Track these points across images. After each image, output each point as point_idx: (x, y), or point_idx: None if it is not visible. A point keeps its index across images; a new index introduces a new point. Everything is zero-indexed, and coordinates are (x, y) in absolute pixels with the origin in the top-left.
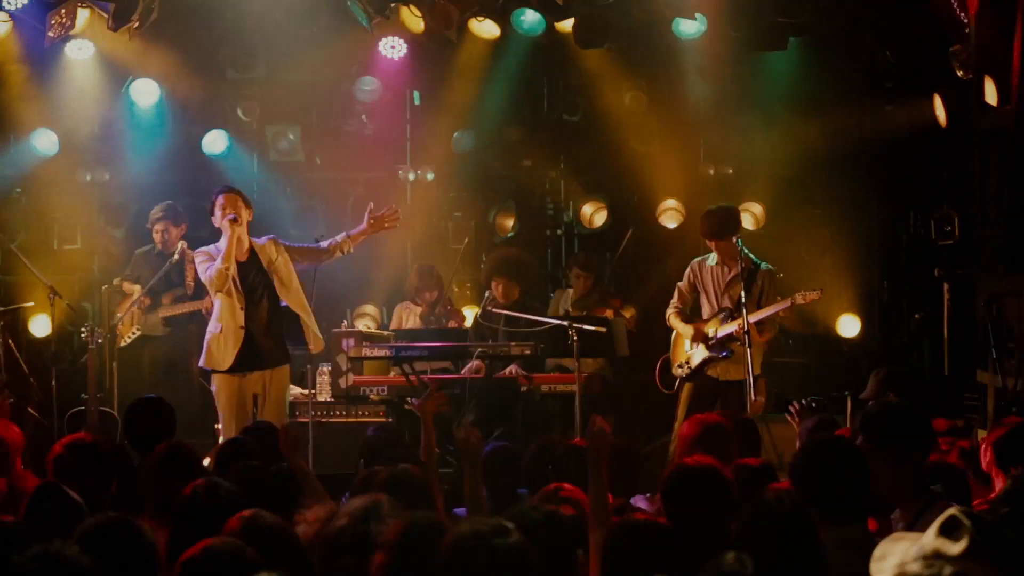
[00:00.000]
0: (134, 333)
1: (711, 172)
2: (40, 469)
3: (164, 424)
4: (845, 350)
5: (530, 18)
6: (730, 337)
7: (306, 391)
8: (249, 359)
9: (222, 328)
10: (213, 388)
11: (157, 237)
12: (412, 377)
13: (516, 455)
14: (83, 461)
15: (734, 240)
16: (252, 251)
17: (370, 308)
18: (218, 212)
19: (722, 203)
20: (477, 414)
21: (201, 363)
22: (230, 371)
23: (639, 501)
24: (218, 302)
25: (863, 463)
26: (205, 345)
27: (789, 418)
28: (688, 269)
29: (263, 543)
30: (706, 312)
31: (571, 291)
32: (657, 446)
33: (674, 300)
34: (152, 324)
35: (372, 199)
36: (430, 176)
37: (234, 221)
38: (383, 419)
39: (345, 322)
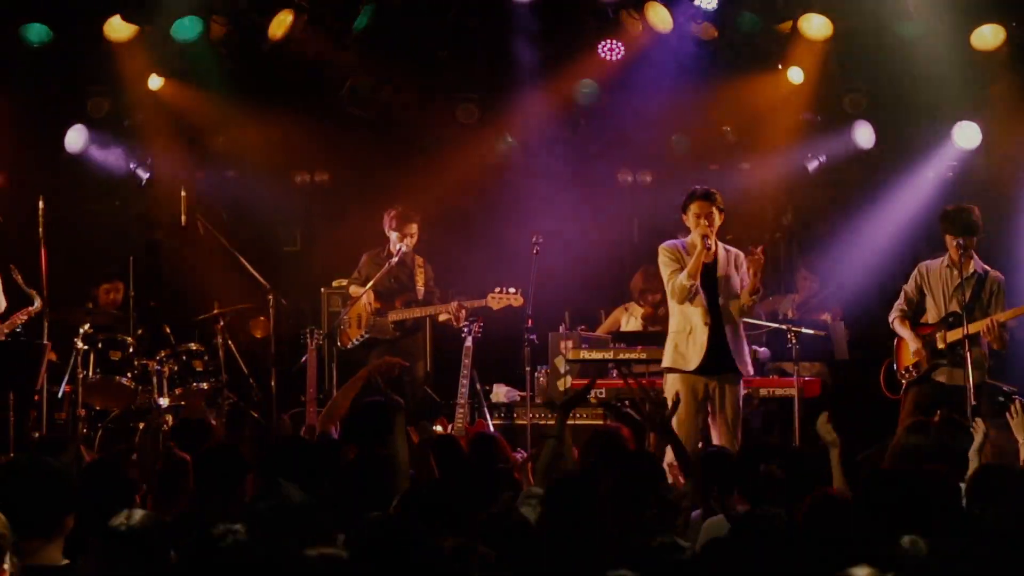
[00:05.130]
0: (363, 336)
1: (930, 175)
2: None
3: (382, 427)
4: None
5: (746, 19)
6: (958, 343)
7: (524, 393)
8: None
9: (683, 332)
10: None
11: (394, 236)
12: (631, 380)
13: (730, 458)
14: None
15: (971, 242)
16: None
17: None
18: (702, 221)
19: (964, 203)
20: None
21: (666, 363)
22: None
23: None
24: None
25: None
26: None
27: (1009, 417)
28: (915, 271)
29: None
30: (932, 315)
31: (794, 295)
32: (874, 451)
33: (899, 302)
34: (381, 327)
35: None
36: (648, 179)
37: (705, 238)
38: (601, 422)
39: (563, 325)
